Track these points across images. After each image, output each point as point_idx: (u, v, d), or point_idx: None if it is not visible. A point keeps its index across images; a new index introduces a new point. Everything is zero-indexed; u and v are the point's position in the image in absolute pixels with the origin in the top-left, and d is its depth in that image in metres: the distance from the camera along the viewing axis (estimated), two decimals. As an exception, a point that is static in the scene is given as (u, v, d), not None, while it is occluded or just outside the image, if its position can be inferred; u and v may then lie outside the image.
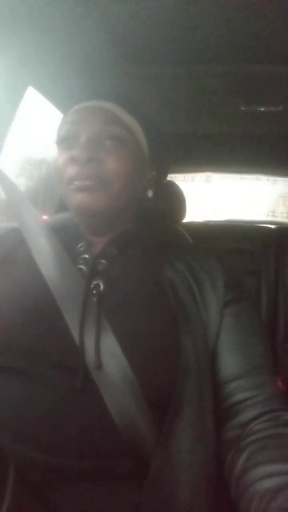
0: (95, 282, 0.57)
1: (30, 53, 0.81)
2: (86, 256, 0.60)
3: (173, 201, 1.47)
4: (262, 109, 1.18)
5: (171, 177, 1.76)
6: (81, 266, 0.59)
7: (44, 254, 0.58)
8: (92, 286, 0.56)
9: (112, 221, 0.61)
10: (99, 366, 0.49)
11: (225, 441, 0.54)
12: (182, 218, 1.55)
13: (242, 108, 1.18)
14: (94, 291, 0.55)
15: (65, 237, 0.62)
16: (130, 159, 0.60)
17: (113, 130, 0.59)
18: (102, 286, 0.56)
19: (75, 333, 0.51)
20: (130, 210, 0.66)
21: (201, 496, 0.48)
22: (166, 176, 1.65)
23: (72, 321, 0.51)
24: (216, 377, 0.57)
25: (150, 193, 0.67)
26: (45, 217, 0.73)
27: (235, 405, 0.55)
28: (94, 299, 0.54)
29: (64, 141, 0.60)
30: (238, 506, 0.46)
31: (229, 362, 0.57)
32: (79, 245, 0.62)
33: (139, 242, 0.65)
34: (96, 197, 0.57)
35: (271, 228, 1.68)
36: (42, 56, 0.84)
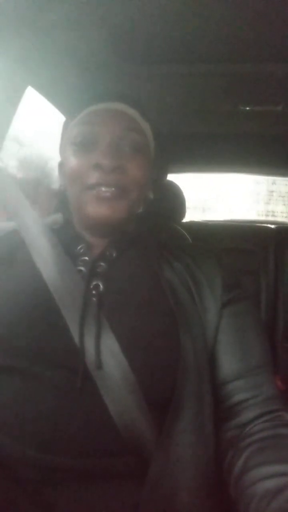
0: (94, 283, 0.57)
1: (30, 53, 0.81)
2: (86, 258, 0.60)
3: (173, 201, 1.47)
4: (262, 109, 1.18)
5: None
6: (81, 268, 0.58)
7: (44, 255, 0.57)
8: (91, 286, 0.56)
9: (118, 226, 0.61)
10: (99, 366, 0.49)
11: (224, 442, 0.54)
12: (182, 218, 1.55)
13: (241, 108, 1.18)
14: (94, 292, 0.55)
15: (64, 238, 0.61)
16: (146, 167, 0.61)
17: (134, 137, 0.59)
18: (101, 287, 0.56)
19: (75, 333, 0.51)
20: (136, 213, 0.66)
21: (201, 496, 0.48)
22: (166, 176, 1.66)
23: (72, 321, 0.51)
24: (215, 378, 0.57)
25: (151, 195, 0.67)
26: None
27: (234, 406, 0.55)
28: (94, 299, 0.54)
29: (80, 142, 0.59)
30: (238, 506, 0.46)
31: (229, 362, 0.57)
32: (79, 247, 0.61)
33: (139, 243, 0.65)
34: (116, 209, 0.57)
35: (271, 228, 1.68)
36: (42, 56, 0.84)
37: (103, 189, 0.56)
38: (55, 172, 0.70)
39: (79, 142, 0.59)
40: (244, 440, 0.51)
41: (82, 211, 0.59)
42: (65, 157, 0.62)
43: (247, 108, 1.17)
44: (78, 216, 0.63)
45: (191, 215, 1.81)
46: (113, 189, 0.56)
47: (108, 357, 0.49)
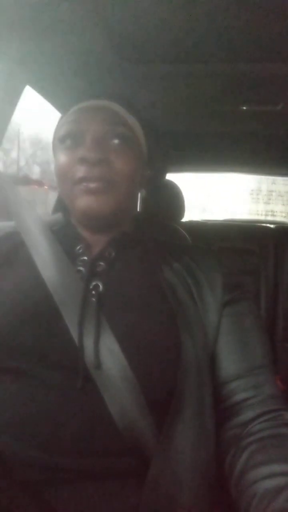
0: (94, 283, 0.57)
1: (28, 52, 0.81)
2: (85, 258, 0.60)
3: (172, 200, 1.47)
4: (261, 109, 1.18)
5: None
6: (80, 268, 0.58)
7: (44, 256, 0.57)
8: (91, 287, 0.56)
9: (114, 222, 0.61)
10: (98, 365, 0.49)
11: (225, 441, 0.54)
12: (181, 218, 1.55)
13: (241, 108, 1.18)
14: (93, 292, 0.55)
15: (63, 238, 0.61)
16: (134, 160, 0.60)
17: (119, 130, 0.59)
18: (101, 287, 0.56)
19: (74, 334, 0.51)
20: (130, 210, 0.66)
21: (201, 496, 0.48)
22: (165, 176, 1.66)
23: (71, 321, 0.51)
24: (216, 377, 0.57)
25: (143, 192, 0.67)
26: None
27: (235, 405, 0.55)
28: (93, 299, 0.54)
29: (67, 140, 0.59)
30: (238, 506, 0.46)
31: (229, 362, 0.57)
32: (78, 247, 0.61)
33: (138, 243, 0.65)
34: (104, 201, 0.57)
35: (270, 227, 1.69)
36: (40, 56, 0.84)
37: (90, 181, 0.56)
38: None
39: (65, 139, 0.60)
40: (244, 439, 0.51)
41: (73, 207, 0.59)
42: (55, 156, 0.63)
43: (247, 108, 1.17)
44: (72, 212, 0.64)
45: (189, 217, 1.81)
46: (97, 184, 0.56)
47: (108, 357, 0.49)
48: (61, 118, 0.65)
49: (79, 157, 0.57)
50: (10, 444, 0.46)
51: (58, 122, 0.66)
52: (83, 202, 0.57)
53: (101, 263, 0.59)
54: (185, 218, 1.61)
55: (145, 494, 0.46)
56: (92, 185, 0.56)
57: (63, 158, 0.59)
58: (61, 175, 0.59)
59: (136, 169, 0.61)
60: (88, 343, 0.50)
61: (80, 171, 0.57)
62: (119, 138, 0.59)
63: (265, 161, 1.68)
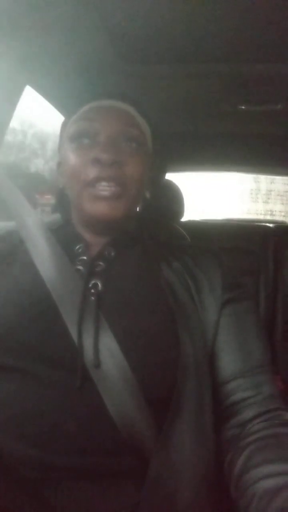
0: (93, 282, 0.57)
1: (29, 52, 0.81)
2: (84, 257, 0.60)
3: (172, 200, 1.47)
4: (261, 109, 1.18)
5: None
6: (79, 267, 0.58)
7: (43, 255, 0.57)
8: (90, 286, 0.56)
9: (119, 225, 0.61)
10: (97, 365, 0.49)
11: (224, 441, 0.54)
12: (181, 217, 1.55)
13: (241, 108, 1.18)
14: (93, 291, 0.55)
15: (62, 238, 0.61)
16: (144, 163, 0.61)
17: (133, 134, 0.59)
18: (100, 286, 0.56)
19: (73, 333, 0.51)
20: (134, 212, 0.66)
21: (201, 496, 0.48)
22: (164, 176, 1.66)
23: (70, 320, 0.51)
24: (215, 377, 0.57)
25: (148, 194, 0.67)
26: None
27: (234, 405, 0.55)
28: (93, 298, 0.54)
29: (79, 139, 0.59)
30: (238, 506, 0.46)
31: (228, 361, 0.57)
32: (77, 247, 0.61)
33: (138, 242, 0.65)
34: (114, 207, 0.57)
35: (269, 227, 1.69)
36: (41, 56, 0.84)
37: (103, 183, 0.56)
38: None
39: (77, 139, 0.59)
40: (244, 439, 0.51)
41: (81, 209, 0.59)
42: (64, 155, 0.62)
43: (247, 108, 1.17)
44: (77, 214, 0.63)
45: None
46: (112, 184, 0.56)
47: (107, 356, 0.49)
48: (70, 116, 0.65)
49: (93, 157, 0.56)
50: (8, 442, 0.46)
51: (67, 121, 0.65)
52: (94, 207, 0.57)
53: (101, 263, 0.59)
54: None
55: (144, 494, 0.46)
56: (104, 189, 0.56)
57: (74, 157, 0.58)
58: (72, 176, 0.58)
59: (146, 173, 0.61)
60: (87, 342, 0.50)
61: (93, 171, 0.56)
62: (133, 141, 0.59)
63: (264, 161, 1.68)
